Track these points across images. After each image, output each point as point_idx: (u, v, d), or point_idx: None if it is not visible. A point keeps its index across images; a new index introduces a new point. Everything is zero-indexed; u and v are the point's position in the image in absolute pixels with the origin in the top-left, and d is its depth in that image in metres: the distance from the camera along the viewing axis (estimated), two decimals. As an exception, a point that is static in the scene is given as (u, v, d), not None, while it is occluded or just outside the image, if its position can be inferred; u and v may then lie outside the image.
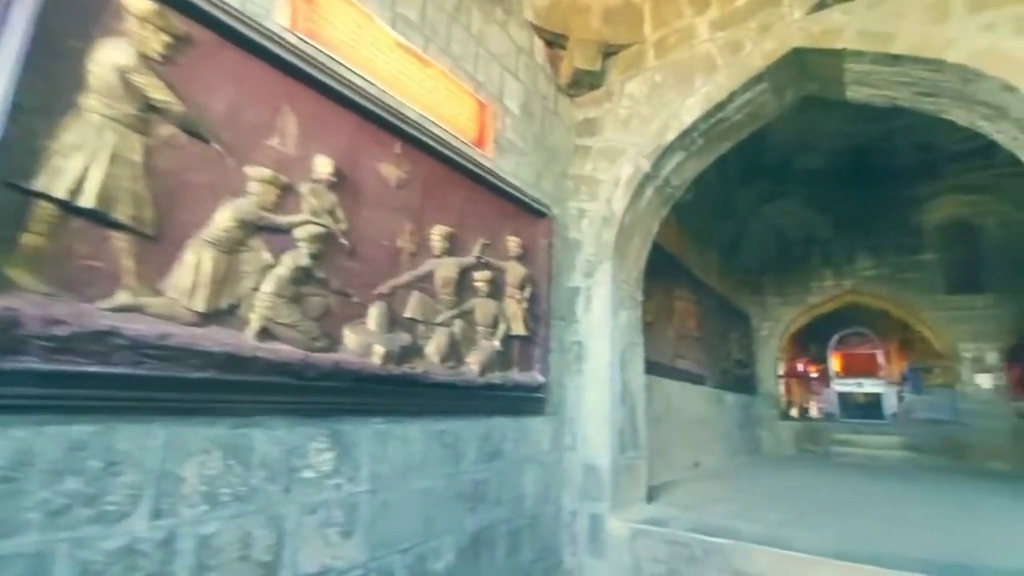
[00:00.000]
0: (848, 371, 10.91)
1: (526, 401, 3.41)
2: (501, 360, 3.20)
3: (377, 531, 2.35)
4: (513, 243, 3.44)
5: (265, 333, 1.95)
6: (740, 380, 9.04)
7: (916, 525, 3.68)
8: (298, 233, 2.09)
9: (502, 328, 3.24)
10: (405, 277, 2.63)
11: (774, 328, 10.36)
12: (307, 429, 2.12)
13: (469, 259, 3.06)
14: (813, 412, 10.90)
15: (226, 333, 1.84)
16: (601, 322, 3.91)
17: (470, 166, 3.10)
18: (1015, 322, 8.31)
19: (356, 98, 2.42)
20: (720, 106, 3.76)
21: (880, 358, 10.65)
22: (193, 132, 1.80)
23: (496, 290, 3.24)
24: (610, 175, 4.08)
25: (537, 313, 3.59)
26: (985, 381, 8.30)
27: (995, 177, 8.36)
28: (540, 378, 3.51)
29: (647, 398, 4.36)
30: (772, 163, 8.64)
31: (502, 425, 3.20)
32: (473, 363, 2.97)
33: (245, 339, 1.89)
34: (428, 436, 2.67)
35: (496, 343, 3.16)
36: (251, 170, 1.96)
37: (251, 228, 1.93)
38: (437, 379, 2.67)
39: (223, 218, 1.82)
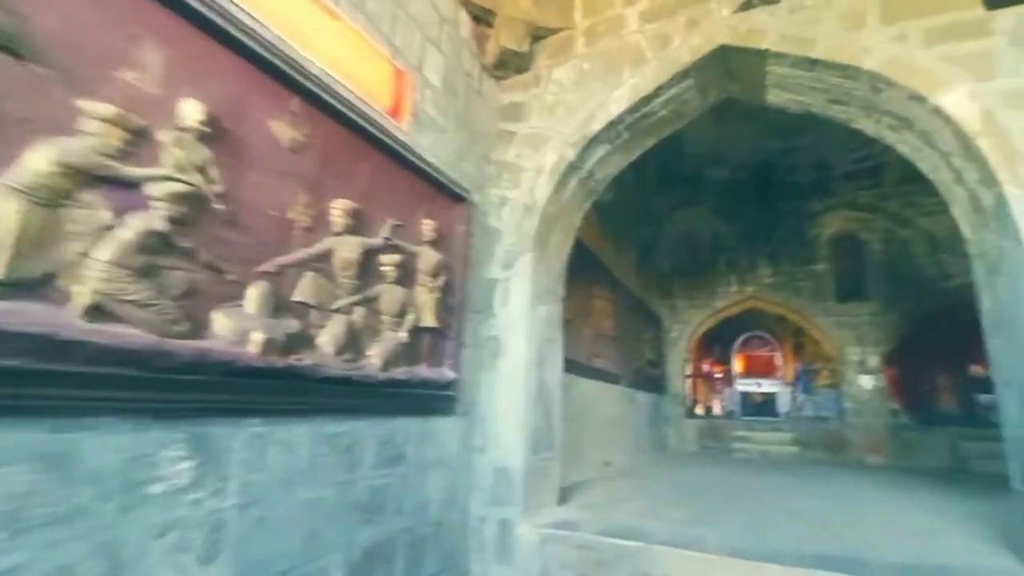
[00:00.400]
0: (750, 372, 11.57)
1: (434, 399, 3.13)
2: (408, 354, 2.90)
3: (248, 553, 1.99)
4: (428, 227, 3.15)
5: (100, 312, 1.54)
6: (651, 379, 9.29)
7: (810, 520, 3.80)
8: (154, 190, 1.69)
9: (410, 319, 2.94)
10: (297, 255, 2.27)
11: (683, 330, 10.80)
12: (158, 433, 1.72)
13: (376, 240, 2.73)
14: (716, 410, 11.47)
15: (41, 309, 1.42)
16: (519, 316, 3.71)
17: (382, 137, 2.77)
18: (894, 329, 9.20)
19: (244, 39, 2.04)
20: (646, 100, 3.69)
21: (778, 360, 11.38)
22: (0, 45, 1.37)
23: (406, 276, 2.93)
24: (534, 163, 3.90)
25: (451, 304, 3.32)
26: (867, 382, 9.10)
27: (879, 197, 9.24)
28: (451, 374, 3.24)
29: (563, 397, 4.23)
30: (686, 172, 9.01)
31: (406, 426, 2.90)
32: (375, 356, 2.65)
33: (70, 318, 1.48)
34: (318, 439, 2.32)
35: (403, 335, 2.86)
36: (88, 104, 1.53)
37: (85, 178, 1.51)
38: (330, 373, 2.32)
39: (39, 160, 1.39)
